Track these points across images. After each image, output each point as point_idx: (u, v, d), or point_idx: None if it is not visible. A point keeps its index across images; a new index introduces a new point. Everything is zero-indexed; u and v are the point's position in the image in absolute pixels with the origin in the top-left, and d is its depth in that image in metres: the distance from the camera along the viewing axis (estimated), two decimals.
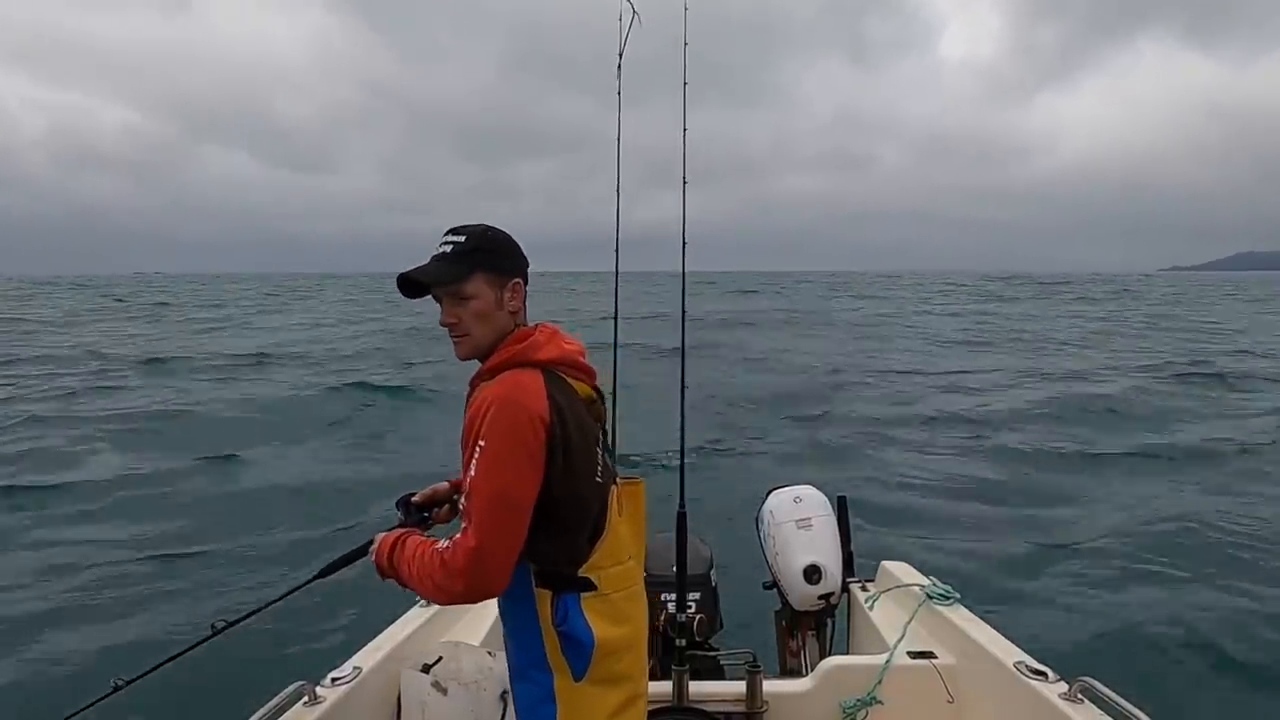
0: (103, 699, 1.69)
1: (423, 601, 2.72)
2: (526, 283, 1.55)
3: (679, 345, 2.85)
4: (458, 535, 1.39)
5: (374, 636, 2.46)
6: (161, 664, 1.78)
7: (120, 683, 1.69)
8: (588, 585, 1.45)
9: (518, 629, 1.49)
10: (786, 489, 3.26)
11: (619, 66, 2.81)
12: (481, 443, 1.36)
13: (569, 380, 1.50)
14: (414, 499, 1.75)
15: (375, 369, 16.39)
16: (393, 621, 2.59)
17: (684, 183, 2.76)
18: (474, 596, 1.41)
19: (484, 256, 1.49)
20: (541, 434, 1.37)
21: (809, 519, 3.07)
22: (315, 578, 1.87)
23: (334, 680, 2.14)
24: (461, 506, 1.41)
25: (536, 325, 1.56)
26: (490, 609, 2.85)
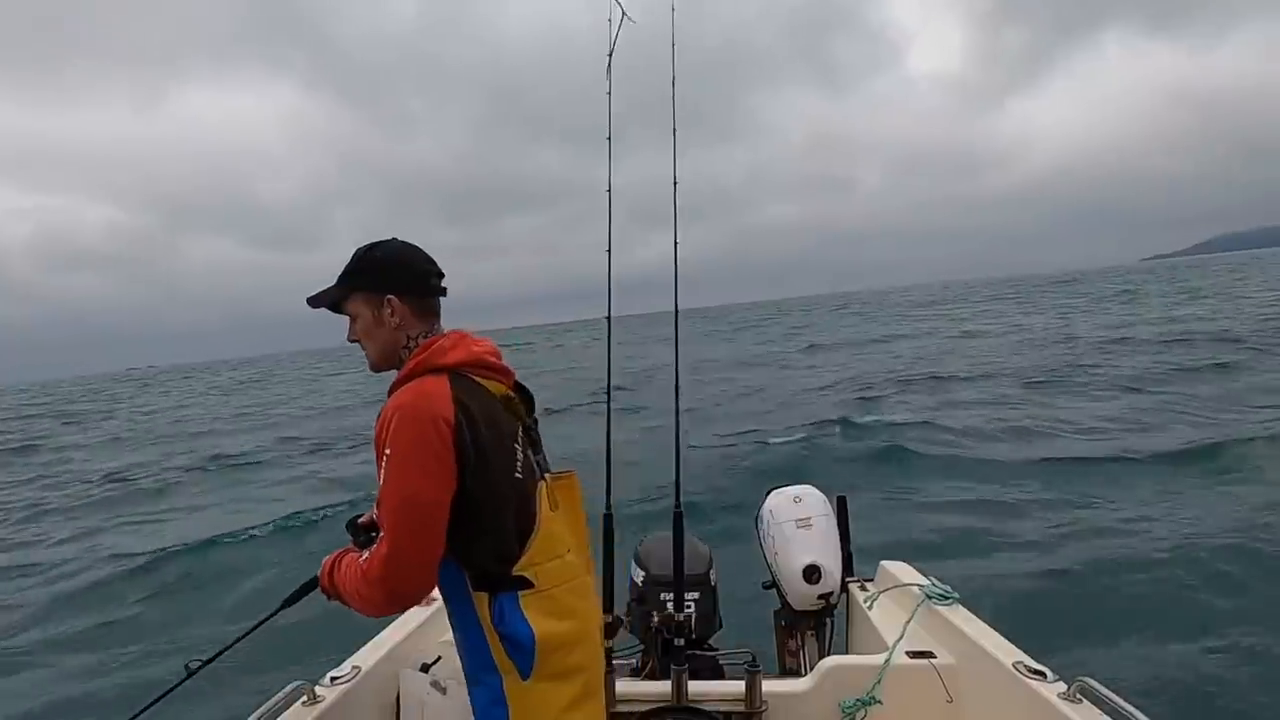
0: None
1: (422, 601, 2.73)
2: (425, 294, 1.58)
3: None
4: (374, 546, 1.41)
5: (373, 636, 2.46)
6: (139, 713, 1.79)
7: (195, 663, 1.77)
8: (524, 583, 1.46)
9: (463, 633, 1.50)
10: (786, 488, 3.25)
11: (609, 69, 2.82)
12: (388, 451, 1.37)
13: (479, 380, 1.52)
14: (360, 520, 1.75)
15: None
16: (391, 621, 2.59)
17: (674, 183, 2.78)
18: (395, 603, 1.43)
19: (358, 277, 1.56)
20: (447, 434, 1.38)
21: (808, 519, 3.06)
22: (281, 608, 1.89)
23: (333, 680, 2.14)
24: (373, 516, 1.44)
25: (445, 333, 1.58)
26: None
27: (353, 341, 1.60)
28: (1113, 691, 1.83)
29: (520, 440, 1.56)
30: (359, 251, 1.57)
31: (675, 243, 2.74)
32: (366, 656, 2.30)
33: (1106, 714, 1.83)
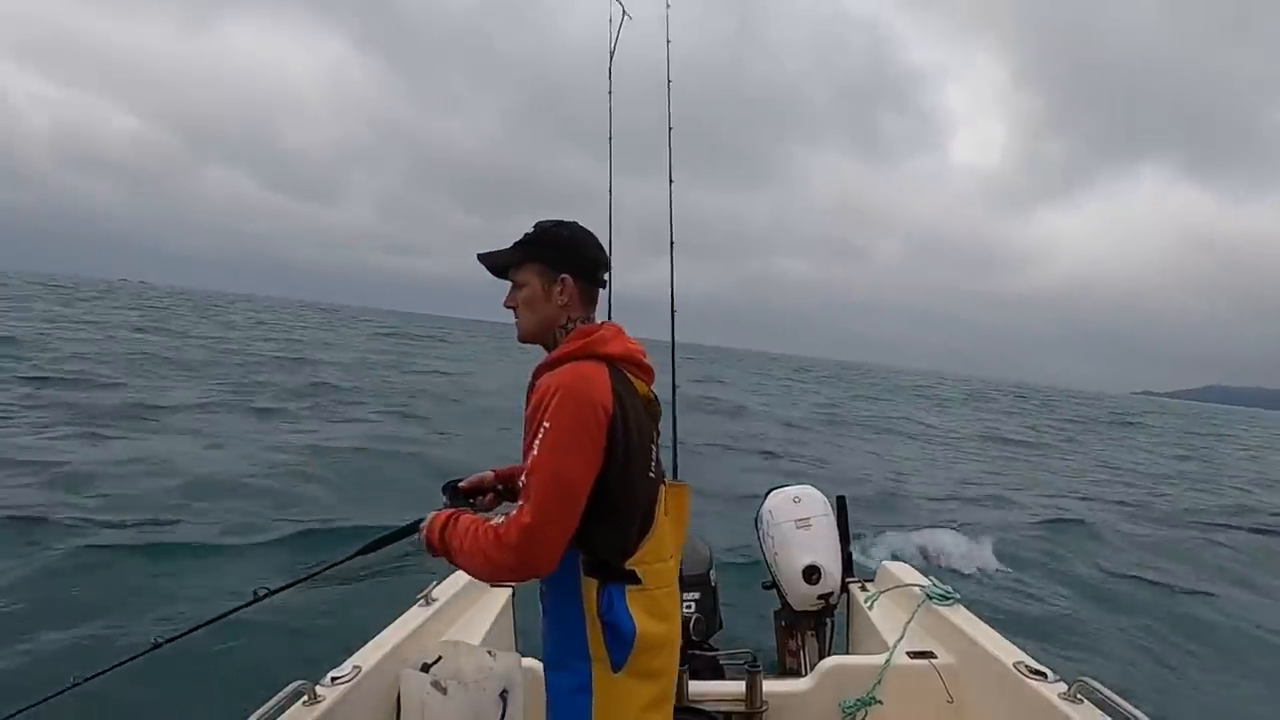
0: (172, 640, 1.72)
1: (422, 601, 2.72)
2: (593, 282, 1.62)
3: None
4: (513, 512, 1.42)
5: (374, 636, 2.46)
6: (196, 628, 1.81)
7: (160, 640, 1.74)
8: (633, 578, 1.48)
9: (561, 616, 1.51)
10: (786, 488, 3.25)
11: (610, 70, 2.82)
12: (546, 424, 1.40)
13: (631, 377, 1.56)
14: (460, 485, 1.79)
15: None
16: (393, 621, 2.59)
17: (670, 181, 2.78)
18: (523, 572, 1.44)
19: (539, 249, 1.59)
20: (604, 422, 1.42)
21: (808, 519, 3.06)
22: (358, 553, 1.87)
23: (334, 679, 2.14)
24: (521, 484, 1.43)
25: (602, 323, 1.62)
26: (491, 609, 2.85)
27: (509, 308, 1.62)
28: (1113, 692, 1.83)
29: (655, 441, 1.60)
30: (543, 224, 1.60)
31: (671, 246, 2.74)
32: (367, 656, 2.30)
33: (1107, 714, 1.83)
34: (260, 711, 1.83)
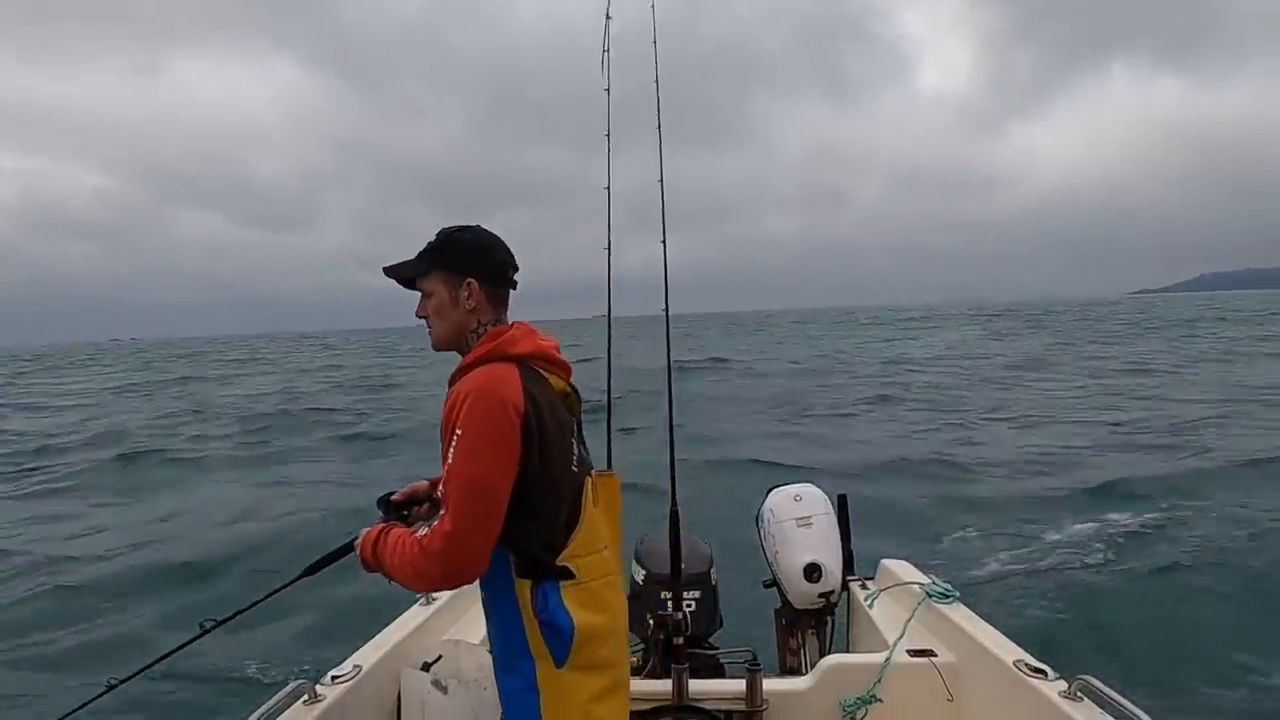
0: (97, 698, 1.70)
1: (422, 600, 2.73)
2: (501, 284, 1.63)
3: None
4: (435, 522, 1.43)
5: (374, 635, 2.46)
6: (151, 665, 1.78)
7: (114, 682, 1.72)
8: (566, 573, 1.49)
9: (499, 619, 1.53)
10: (787, 487, 3.25)
11: (605, 65, 2.81)
12: (459, 431, 1.41)
13: (544, 374, 1.58)
14: (394, 497, 1.79)
15: None
16: (393, 620, 2.59)
17: (660, 181, 2.77)
18: (451, 580, 1.47)
19: (442, 256, 1.60)
20: (516, 422, 1.42)
21: (809, 517, 3.06)
22: (302, 575, 1.87)
23: (334, 678, 2.14)
24: (439, 493, 1.45)
25: (513, 323, 1.62)
26: None
27: (420, 318, 1.64)
28: (1114, 690, 1.83)
29: (575, 435, 1.62)
30: (445, 231, 1.61)
31: (664, 240, 2.73)
32: (367, 655, 2.30)
33: (1108, 712, 1.83)
34: (260, 711, 1.84)
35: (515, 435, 1.42)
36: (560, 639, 1.47)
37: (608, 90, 2.76)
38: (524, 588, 1.48)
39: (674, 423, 2.62)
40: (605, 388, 2.62)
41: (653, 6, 2.99)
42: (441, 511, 1.43)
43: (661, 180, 2.74)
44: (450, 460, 1.41)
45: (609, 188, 2.66)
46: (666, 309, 2.76)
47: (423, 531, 1.46)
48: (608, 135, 2.72)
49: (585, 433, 1.70)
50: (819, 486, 3.25)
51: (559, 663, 1.48)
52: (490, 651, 1.94)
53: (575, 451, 1.59)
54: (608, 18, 2.80)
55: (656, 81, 2.84)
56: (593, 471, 1.65)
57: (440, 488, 1.45)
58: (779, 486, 3.29)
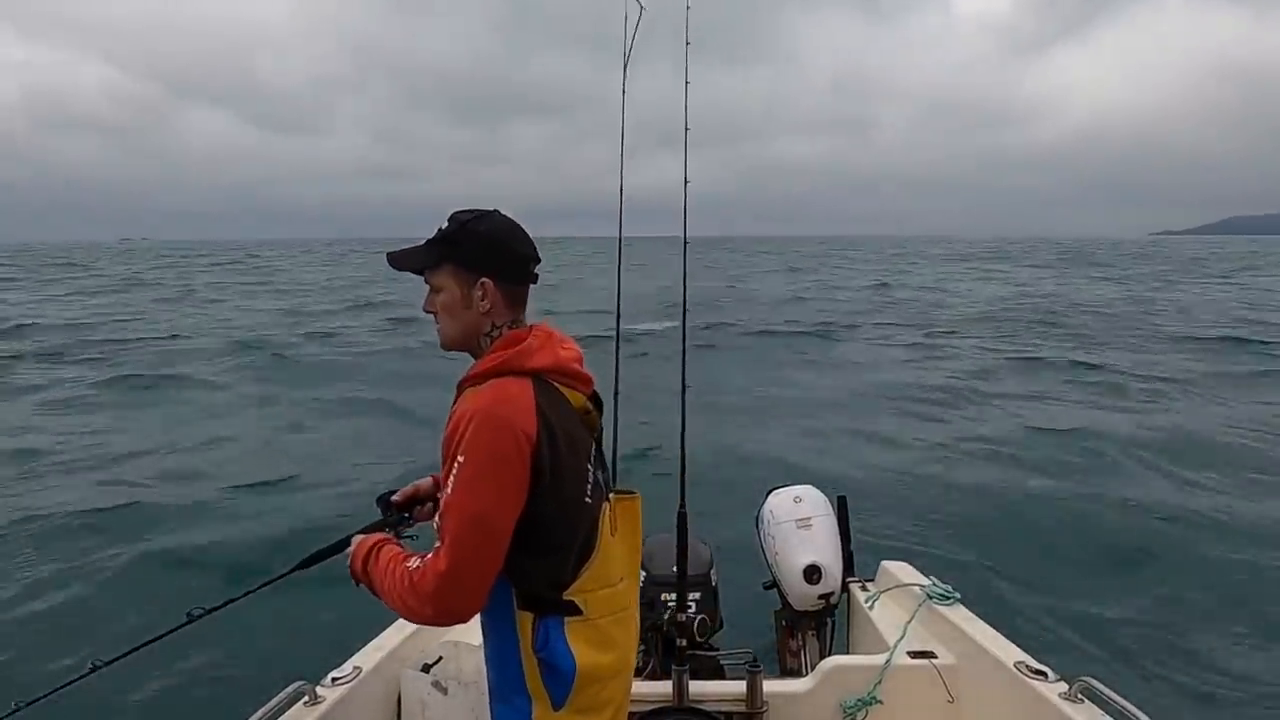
0: (77, 680, 1.59)
1: None
2: (520, 282, 1.46)
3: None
4: (430, 555, 1.31)
5: (374, 636, 2.46)
6: (136, 648, 1.71)
7: (98, 664, 1.59)
8: (572, 609, 1.36)
9: (497, 650, 1.41)
10: (786, 489, 3.26)
11: (624, 68, 2.78)
12: (460, 458, 1.27)
13: (562, 390, 1.43)
14: (394, 498, 1.69)
15: None
16: (393, 621, 2.59)
17: (685, 182, 2.76)
18: (442, 621, 1.35)
19: (455, 249, 1.42)
20: (526, 453, 1.29)
21: (809, 519, 3.06)
22: (297, 568, 1.77)
23: (334, 680, 2.14)
24: (435, 525, 1.33)
25: (531, 326, 1.47)
26: None
27: (429, 313, 1.47)
28: (1114, 691, 1.83)
29: (592, 459, 1.46)
30: (459, 218, 1.43)
31: (684, 233, 2.66)
32: (368, 657, 2.30)
33: (1108, 714, 1.83)
34: (260, 712, 1.83)
35: (524, 466, 1.28)
36: (559, 681, 1.35)
37: (624, 91, 2.71)
38: (525, 621, 1.35)
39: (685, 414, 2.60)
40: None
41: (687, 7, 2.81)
42: (436, 544, 1.31)
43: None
44: (449, 490, 1.28)
45: (620, 189, 2.59)
46: (684, 306, 2.71)
47: (415, 562, 1.34)
48: (621, 136, 2.61)
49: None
50: (818, 488, 3.25)
51: (556, 705, 1.35)
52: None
53: (591, 478, 1.42)
54: None
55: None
56: (611, 495, 1.50)
57: (435, 519, 1.33)
58: (778, 488, 3.29)
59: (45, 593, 5.34)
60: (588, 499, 1.41)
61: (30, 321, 21.32)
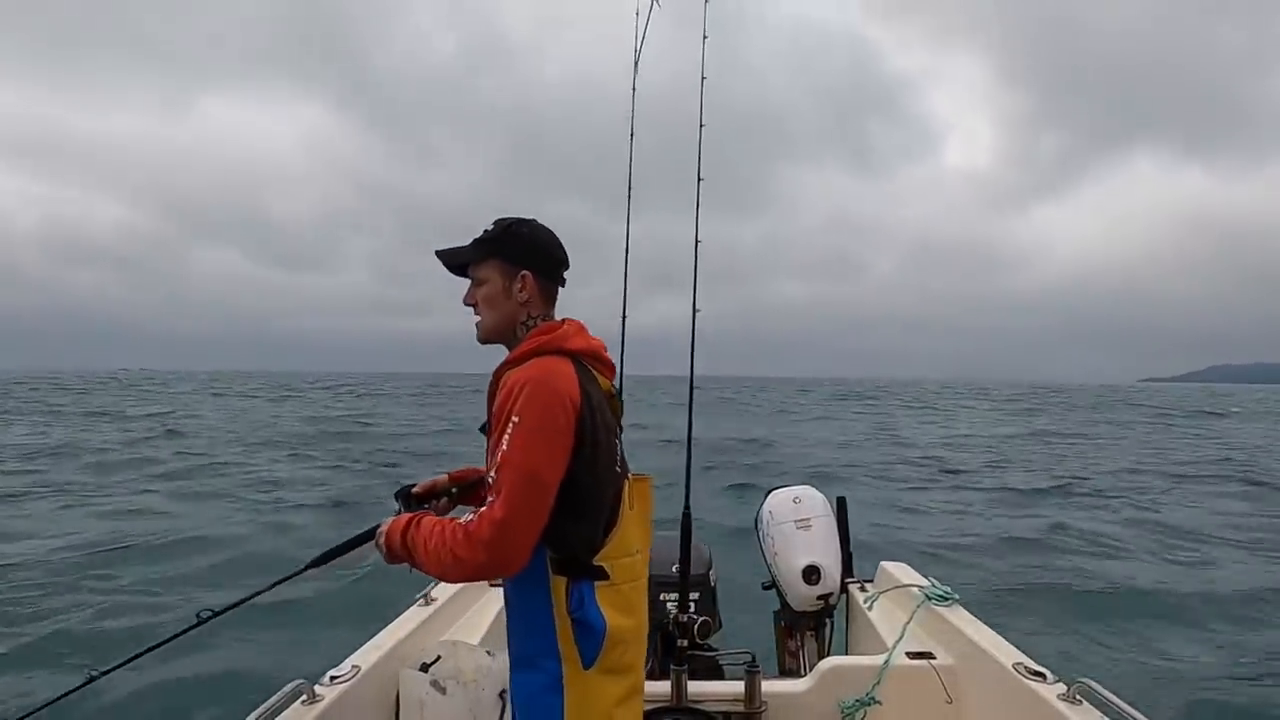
0: (77, 689, 1.62)
1: (422, 600, 2.72)
2: (554, 280, 1.61)
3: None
4: (483, 509, 1.40)
5: (373, 635, 2.46)
6: (143, 653, 1.73)
7: (94, 674, 1.62)
8: (601, 574, 1.46)
9: (527, 615, 1.49)
10: (785, 489, 3.25)
11: (635, 64, 2.79)
12: (515, 419, 1.38)
13: (594, 372, 1.56)
14: (414, 490, 1.76)
15: None
16: (392, 620, 2.59)
17: (699, 179, 2.75)
18: (494, 569, 1.41)
19: (499, 246, 1.58)
20: (572, 417, 1.41)
21: (808, 520, 3.06)
22: (307, 568, 1.81)
23: (333, 679, 2.14)
24: (490, 479, 1.41)
25: (564, 319, 1.61)
26: (490, 608, 2.85)
27: (469, 305, 1.62)
28: (1112, 693, 1.83)
29: (618, 436, 1.60)
30: (503, 222, 1.60)
31: (695, 250, 2.68)
32: (366, 656, 2.30)
33: (1106, 715, 1.83)
34: (259, 711, 1.83)
35: (569, 429, 1.41)
36: (592, 639, 1.44)
37: (633, 89, 2.72)
38: (559, 585, 1.45)
39: (693, 429, 2.60)
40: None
41: (704, 37, 2.88)
42: (490, 498, 1.40)
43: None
44: (505, 447, 1.38)
45: (629, 191, 2.62)
46: (694, 303, 2.73)
47: (467, 518, 1.42)
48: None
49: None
50: (818, 489, 3.25)
51: (587, 664, 1.45)
52: (500, 657, 1.91)
53: (619, 452, 1.57)
54: (636, 62, 2.78)
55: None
56: (630, 475, 1.63)
57: (490, 474, 1.42)
58: (778, 489, 3.29)
59: None
60: (618, 469, 1.54)
61: None
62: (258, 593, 1.81)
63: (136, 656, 1.71)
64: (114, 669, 1.66)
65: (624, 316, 2.63)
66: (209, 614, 1.74)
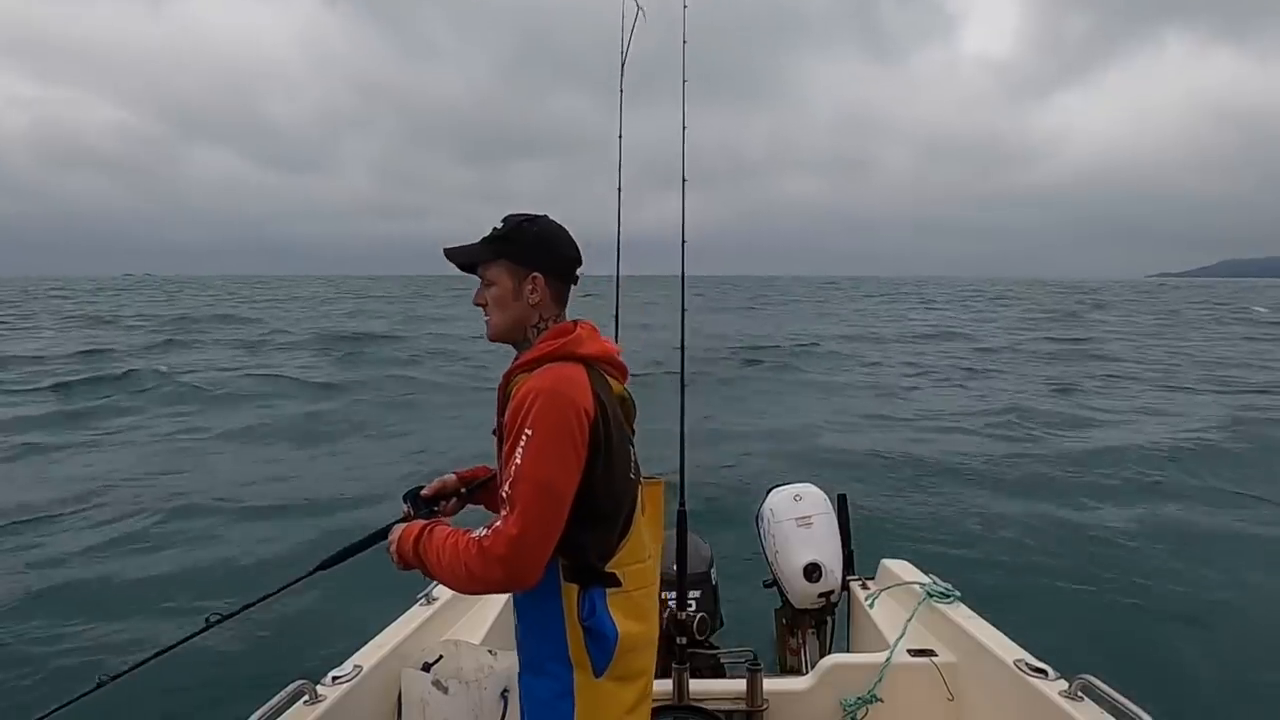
0: (86, 694, 1.59)
1: (424, 599, 2.72)
2: (566, 280, 1.59)
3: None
4: (498, 523, 1.39)
5: (375, 635, 2.46)
6: (151, 658, 1.73)
7: (105, 679, 1.61)
8: (613, 581, 1.46)
9: (539, 623, 1.49)
10: (786, 487, 3.25)
11: (622, 66, 2.78)
12: (529, 431, 1.37)
13: (607, 378, 1.55)
14: (423, 492, 1.75)
15: None
16: (394, 620, 2.59)
17: (683, 180, 2.74)
18: (510, 585, 1.41)
19: (509, 245, 1.56)
20: (585, 427, 1.40)
21: (809, 517, 3.06)
22: (316, 570, 1.80)
23: (334, 679, 2.14)
24: (505, 494, 1.40)
25: (576, 321, 1.59)
26: (491, 608, 2.85)
27: (478, 305, 1.61)
28: (1114, 689, 1.83)
29: (631, 441, 1.58)
30: (513, 220, 1.58)
31: (683, 242, 2.67)
32: (368, 655, 2.30)
33: (1108, 711, 1.83)
34: (261, 711, 1.83)
35: (583, 439, 1.39)
36: (603, 647, 1.44)
37: (621, 89, 2.71)
38: (570, 593, 1.44)
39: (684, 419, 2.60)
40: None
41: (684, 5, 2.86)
42: (504, 512, 1.39)
43: (684, 145, 2.63)
44: (519, 460, 1.37)
45: (620, 159, 2.59)
46: (683, 297, 2.72)
47: (480, 532, 1.42)
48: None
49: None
50: (819, 486, 3.25)
51: (598, 671, 1.45)
52: (502, 656, 1.91)
53: (633, 458, 1.56)
54: None
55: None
56: (642, 480, 1.62)
57: (505, 488, 1.40)
58: (778, 486, 3.29)
59: None
60: (632, 475, 1.53)
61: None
62: (268, 596, 1.81)
63: (146, 661, 1.70)
64: (123, 674, 1.64)
65: (617, 321, 2.64)
66: (218, 617, 1.74)
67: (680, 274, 2.72)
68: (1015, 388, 14.90)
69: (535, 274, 1.54)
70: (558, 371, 1.44)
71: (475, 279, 1.63)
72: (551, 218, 1.62)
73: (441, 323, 32.30)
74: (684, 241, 2.73)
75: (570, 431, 1.38)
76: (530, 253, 1.55)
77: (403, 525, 1.59)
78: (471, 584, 1.42)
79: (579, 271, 1.63)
